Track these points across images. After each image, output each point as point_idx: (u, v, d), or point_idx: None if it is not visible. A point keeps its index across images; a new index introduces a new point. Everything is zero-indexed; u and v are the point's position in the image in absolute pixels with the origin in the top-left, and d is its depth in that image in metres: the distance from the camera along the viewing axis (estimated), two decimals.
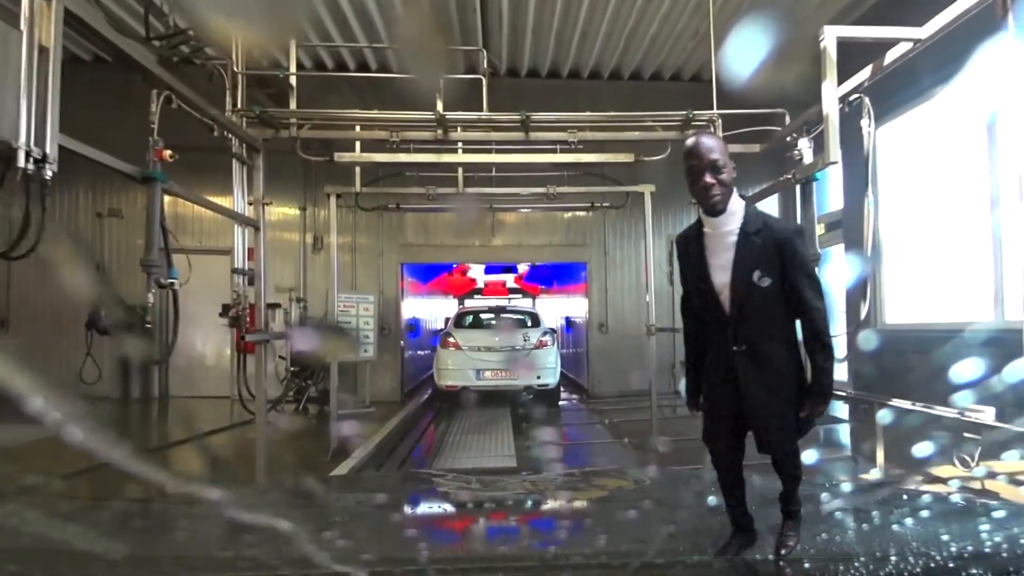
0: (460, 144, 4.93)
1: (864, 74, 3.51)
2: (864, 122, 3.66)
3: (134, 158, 3.33)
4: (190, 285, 8.47)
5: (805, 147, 3.81)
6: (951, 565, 0.76)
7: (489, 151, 4.96)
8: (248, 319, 4.64)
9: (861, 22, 7.16)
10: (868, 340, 6.86)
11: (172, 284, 3.39)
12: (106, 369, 8.38)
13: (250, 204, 4.58)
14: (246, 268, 4.54)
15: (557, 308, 13.42)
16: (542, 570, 0.80)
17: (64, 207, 8.80)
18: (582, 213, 9.13)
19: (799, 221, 3.88)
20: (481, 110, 4.59)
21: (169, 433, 7.11)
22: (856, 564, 0.77)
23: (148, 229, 3.24)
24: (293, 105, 4.53)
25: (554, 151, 4.76)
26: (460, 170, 5.99)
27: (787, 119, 4.60)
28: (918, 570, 0.75)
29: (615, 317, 9.29)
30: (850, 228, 7.77)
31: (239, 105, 4.43)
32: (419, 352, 11.24)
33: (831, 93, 3.18)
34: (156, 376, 9.04)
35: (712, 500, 1.16)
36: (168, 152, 3.31)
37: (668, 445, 5.69)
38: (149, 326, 3.24)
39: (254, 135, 4.52)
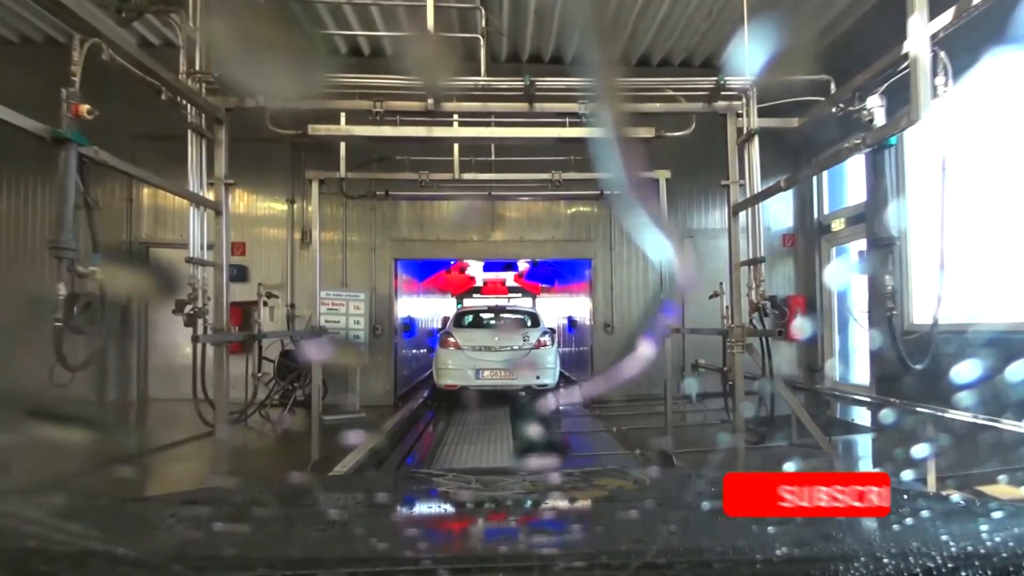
0: (455, 117, 4.21)
1: (945, 18, 2.79)
2: (939, 80, 2.94)
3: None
4: None
5: (876, 105, 3.09)
6: (951, 565, 0.72)
7: (488, 124, 4.21)
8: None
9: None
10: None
11: (94, 273, 2.67)
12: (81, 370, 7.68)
13: (210, 185, 3.85)
14: (205, 257, 3.81)
15: (559, 307, 12.69)
16: (542, 570, 0.73)
17: (37, 198, 8.07)
18: (586, 208, 8.47)
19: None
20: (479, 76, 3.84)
21: (123, 443, 6.33)
22: (856, 564, 0.72)
23: (59, 203, 2.52)
24: None
25: (563, 124, 4.03)
26: (456, 149, 5.23)
27: (832, 87, 3.88)
28: (918, 570, 0.71)
29: (621, 317, 8.57)
30: (875, 223, 7.06)
31: (197, 67, 3.70)
32: (414, 353, 10.54)
33: (920, 30, 2.46)
34: (134, 378, 8.30)
35: (711, 502, 0.97)
36: (86, 108, 2.59)
37: (684, 457, 5.01)
38: (58, 324, 2.52)
39: (215, 104, 3.80)
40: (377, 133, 3.90)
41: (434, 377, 8.06)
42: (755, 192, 3.94)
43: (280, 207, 8.43)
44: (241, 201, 8.35)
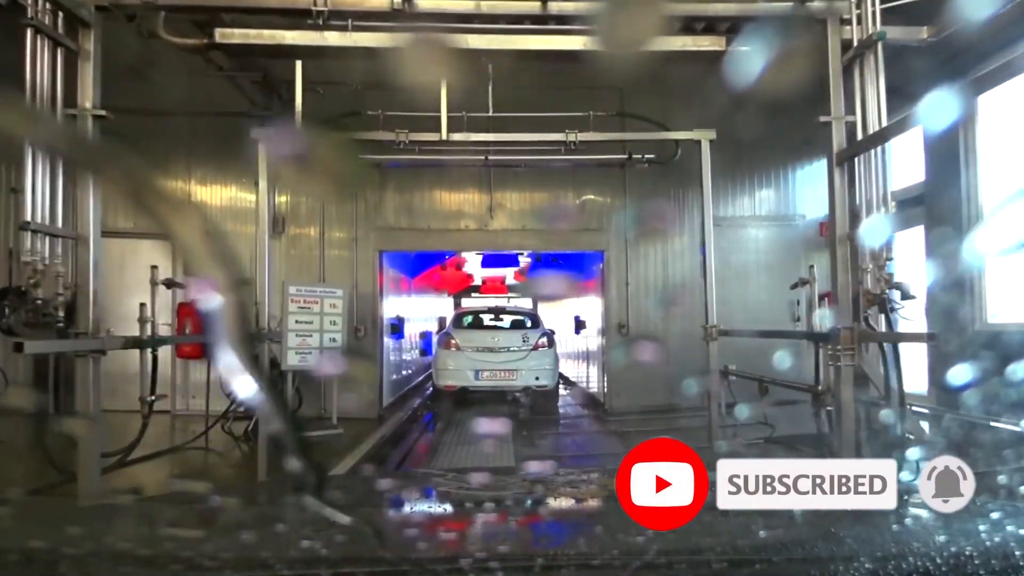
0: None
1: None
2: None
3: None
4: (120, 276, 6.52)
5: None
6: (951, 565, 0.69)
7: (483, 31, 2.79)
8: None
9: None
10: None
11: None
12: (21, 377, 6.36)
13: (72, 117, 2.47)
14: (59, 228, 2.43)
15: (562, 307, 11.34)
16: (542, 570, 0.72)
17: None
18: (598, 197, 7.17)
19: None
20: None
21: None
22: (856, 564, 0.69)
23: None
24: None
25: (589, 32, 2.67)
26: (444, 101, 3.85)
27: None
28: (918, 570, 0.68)
29: (637, 317, 7.21)
30: (937, 205, 5.77)
31: None
32: (404, 357, 9.22)
33: None
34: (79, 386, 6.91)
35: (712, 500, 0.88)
36: None
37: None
38: None
39: None
40: (318, 41, 2.52)
41: (433, 378, 7.95)
42: (874, 131, 2.57)
43: (248, 194, 7.09)
44: (202, 186, 7.05)
